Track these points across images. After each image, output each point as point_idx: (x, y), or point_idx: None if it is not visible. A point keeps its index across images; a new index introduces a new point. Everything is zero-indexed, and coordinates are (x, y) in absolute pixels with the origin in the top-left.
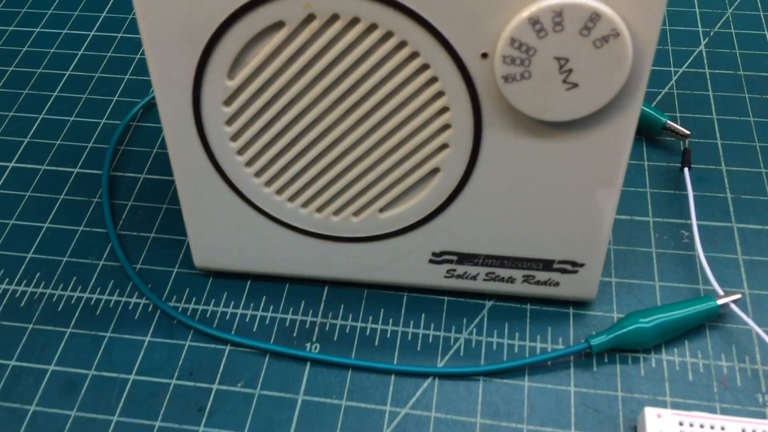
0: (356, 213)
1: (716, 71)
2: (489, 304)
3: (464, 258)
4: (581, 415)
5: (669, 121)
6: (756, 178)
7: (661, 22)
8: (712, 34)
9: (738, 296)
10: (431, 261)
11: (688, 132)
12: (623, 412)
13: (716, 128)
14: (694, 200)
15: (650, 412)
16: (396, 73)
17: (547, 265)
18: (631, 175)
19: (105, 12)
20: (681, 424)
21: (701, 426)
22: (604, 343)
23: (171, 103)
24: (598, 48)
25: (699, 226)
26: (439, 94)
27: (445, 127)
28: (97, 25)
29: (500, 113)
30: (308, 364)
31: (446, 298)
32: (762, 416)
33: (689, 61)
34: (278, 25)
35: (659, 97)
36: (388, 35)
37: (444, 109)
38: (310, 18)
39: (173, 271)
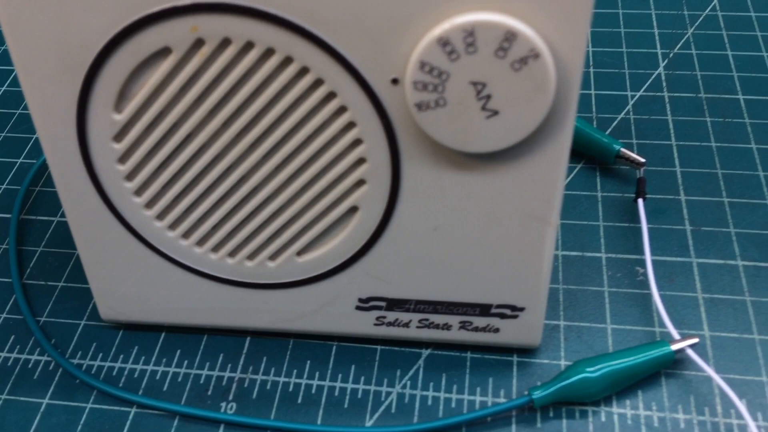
0: (272, 257)
1: (676, 94)
2: (426, 353)
3: (394, 304)
4: None
5: (623, 149)
6: (717, 207)
7: (587, 42)
8: (671, 55)
9: (695, 340)
10: (358, 308)
11: (643, 160)
12: None
13: (675, 155)
14: (651, 233)
15: None
16: (300, 102)
17: (484, 309)
18: (584, 207)
19: None
20: None
21: None
22: (547, 396)
23: (54, 140)
24: (517, 71)
25: (655, 261)
26: (351, 125)
27: (360, 161)
28: None
29: (418, 145)
30: (222, 426)
31: (379, 347)
32: None
33: (647, 85)
34: (164, 51)
35: (615, 123)
36: (288, 61)
37: (357, 142)
38: (199, 43)
39: (80, 324)
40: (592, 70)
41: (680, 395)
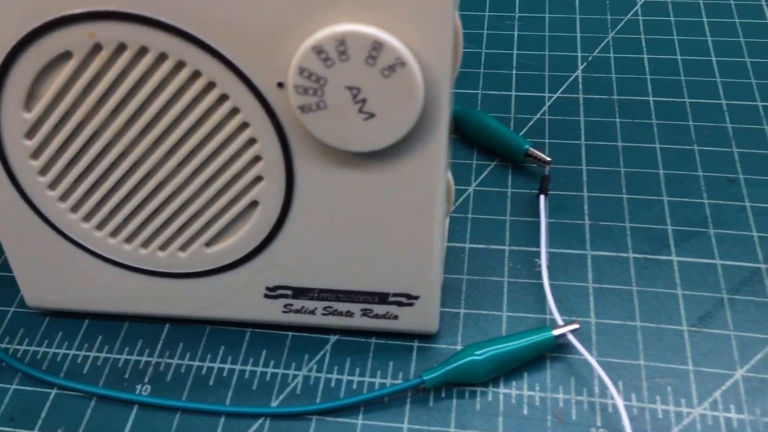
0: (182, 248)
1: (590, 96)
2: (333, 339)
3: (299, 292)
4: None
5: (531, 148)
6: (616, 203)
7: (451, 52)
8: (590, 59)
9: (576, 326)
10: (266, 296)
11: (549, 159)
12: None
13: (583, 154)
14: (553, 227)
15: None
16: (196, 104)
17: (382, 298)
18: (494, 203)
19: None
20: None
21: None
22: (437, 378)
23: None
24: (387, 77)
25: (554, 254)
26: (244, 125)
27: (256, 158)
28: None
29: (307, 144)
30: (135, 407)
31: (290, 333)
32: None
33: (564, 87)
34: (67, 55)
35: (530, 123)
36: (181, 65)
37: (251, 141)
38: (98, 48)
39: (10, 310)
40: (514, 72)
41: (562, 377)
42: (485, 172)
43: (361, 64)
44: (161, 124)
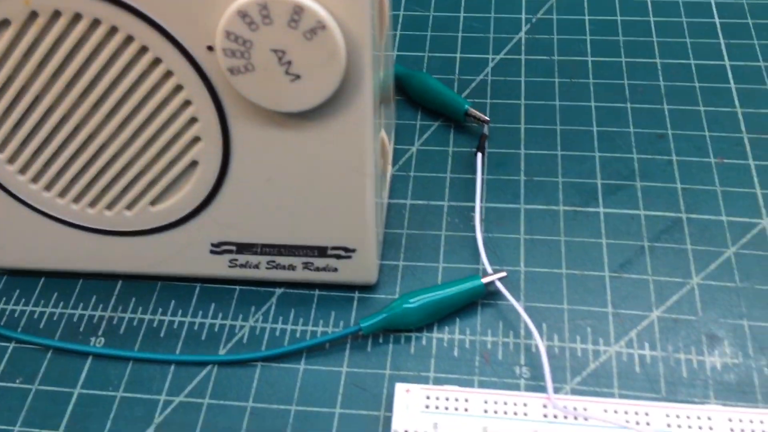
0: (128, 207)
1: (531, 57)
2: (279, 291)
3: (243, 248)
4: (348, 394)
5: (471, 108)
6: (551, 160)
7: (372, 16)
8: (534, 20)
9: (503, 274)
10: (212, 252)
11: (488, 118)
12: (387, 389)
13: (522, 113)
14: (491, 183)
15: (400, 388)
16: (131, 68)
17: (321, 251)
18: (435, 161)
19: None
20: (428, 397)
21: (446, 399)
22: (373, 325)
23: None
24: (309, 40)
25: (490, 208)
26: (179, 88)
27: (193, 120)
28: None
29: (240, 105)
30: (90, 358)
31: (238, 287)
32: (517, 388)
33: (507, 48)
34: (5, 23)
35: (474, 84)
36: (114, 30)
37: (187, 103)
38: (35, 15)
39: None
40: (460, 35)
41: (491, 322)
42: (428, 132)
43: (284, 27)
44: (99, 88)
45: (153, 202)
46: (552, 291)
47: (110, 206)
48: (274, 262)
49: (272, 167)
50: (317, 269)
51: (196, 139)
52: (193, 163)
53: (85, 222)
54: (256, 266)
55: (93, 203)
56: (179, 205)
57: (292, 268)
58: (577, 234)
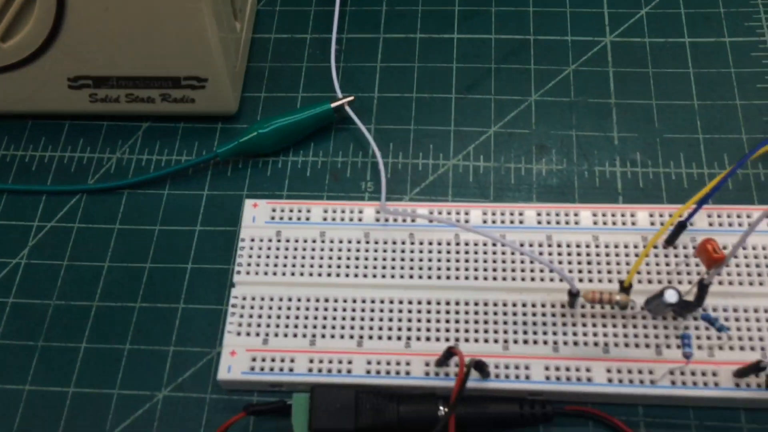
0: None
1: None
2: (145, 125)
3: (99, 81)
4: (208, 213)
5: None
6: None
7: None
8: None
9: (351, 98)
10: (70, 87)
11: None
12: (243, 207)
13: None
14: (354, 15)
15: (248, 203)
16: None
17: (175, 82)
18: None
19: None
20: (273, 210)
21: (291, 210)
22: (229, 151)
23: None
24: None
25: (352, 39)
26: None
27: None
28: None
29: None
30: None
31: (105, 123)
32: (362, 200)
33: None
34: None
35: None
36: None
37: None
38: None
39: None
40: None
41: (343, 145)
42: None
43: None
44: None
45: (3, 39)
46: (401, 114)
47: None
48: (132, 95)
49: None
50: (175, 101)
51: None
52: None
53: None
54: (116, 100)
55: None
56: (28, 40)
57: (151, 100)
58: (430, 60)
